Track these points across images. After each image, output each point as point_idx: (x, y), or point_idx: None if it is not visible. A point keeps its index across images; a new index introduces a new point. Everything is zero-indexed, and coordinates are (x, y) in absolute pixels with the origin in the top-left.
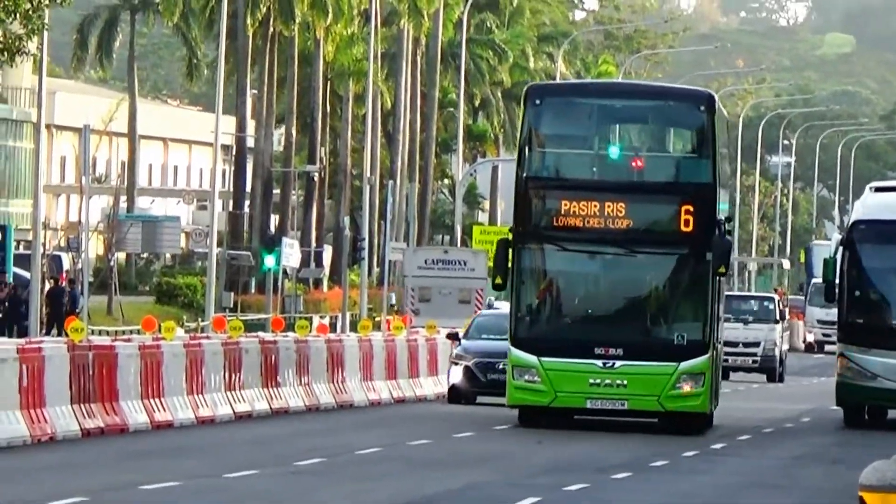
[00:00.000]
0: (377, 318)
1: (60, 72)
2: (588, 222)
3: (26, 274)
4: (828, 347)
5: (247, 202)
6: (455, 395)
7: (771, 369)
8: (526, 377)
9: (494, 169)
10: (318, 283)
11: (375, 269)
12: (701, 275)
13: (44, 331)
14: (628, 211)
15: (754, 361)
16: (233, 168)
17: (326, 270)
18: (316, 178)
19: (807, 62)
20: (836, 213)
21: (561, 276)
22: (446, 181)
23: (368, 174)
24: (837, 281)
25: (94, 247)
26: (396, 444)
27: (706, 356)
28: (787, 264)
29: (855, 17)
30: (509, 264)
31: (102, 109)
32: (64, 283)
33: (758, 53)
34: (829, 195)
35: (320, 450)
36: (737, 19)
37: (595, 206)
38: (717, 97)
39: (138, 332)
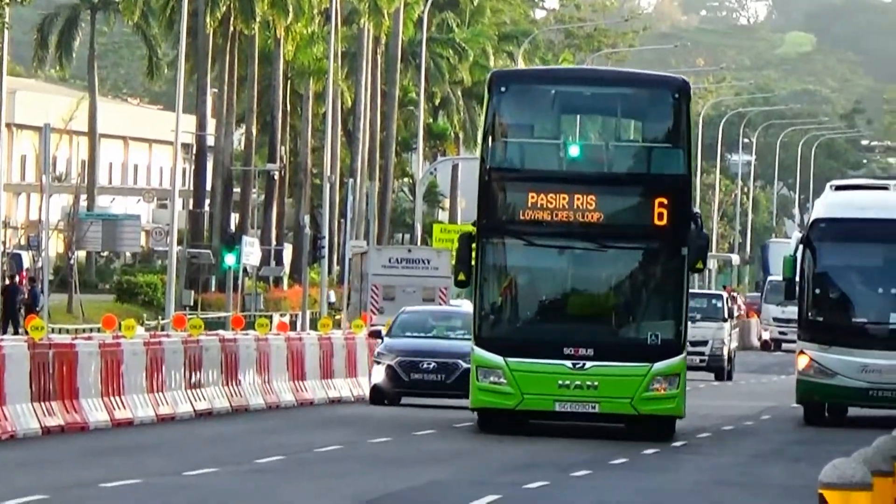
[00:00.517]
0: (337, 317)
1: (21, 70)
2: (556, 216)
3: None
4: (784, 345)
5: (207, 201)
6: (377, 395)
7: (719, 368)
8: (491, 378)
9: (455, 167)
10: (278, 281)
11: (336, 268)
12: (675, 271)
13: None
14: (598, 203)
15: (702, 360)
16: (193, 166)
17: (286, 269)
18: (276, 177)
19: (767, 61)
20: (796, 211)
21: (527, 271)
22: (406, 180)
23: (328, 173)
24: (797, 279)
25: (54, 245)
26: (357, 441)
27: (680, 356)
28: (735, 260)
29: (815, 16)
30: (473, 260)
31: (63, 108)
32: (23, 282)
33: (718, 52)
34: (790, 194)
35: (281, 448)
36: (697, 18)
37: (563, 198)
38: (690, 84)
39: (98, 330)
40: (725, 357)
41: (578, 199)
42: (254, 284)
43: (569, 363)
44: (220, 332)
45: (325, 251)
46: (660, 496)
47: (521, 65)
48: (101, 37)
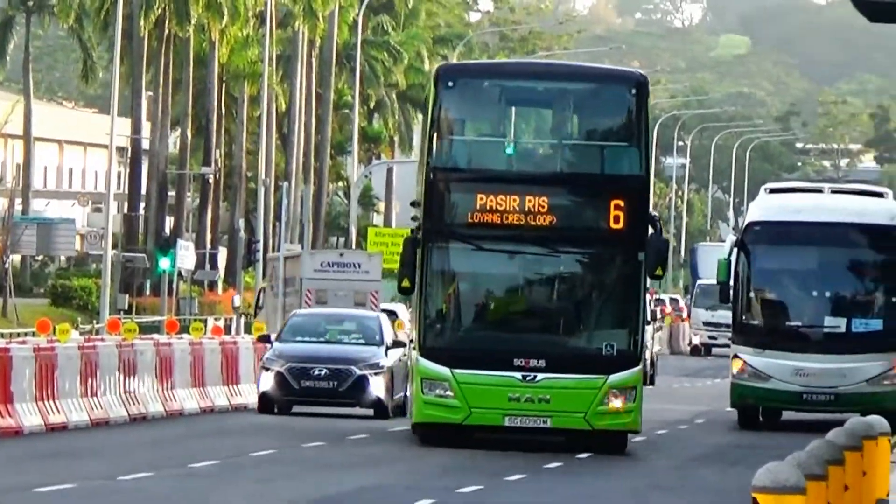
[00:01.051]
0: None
1: None
2: (506, 218)
3: None
4: (714, 350)
5: (142, 204)
6: (265, 403)
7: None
8: (437, 392)
9: (389, 171)
10: (212, 285)
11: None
12: (632, 277)
13: None
14: (550, 206)
15: None
16: (128, 170)
17: (221, 272)
18: (211, 181)
19: (702, 63)
20: (730, 214)
21: (475, 278)
22: (341, 183)
23: (263, 176)
24: (732, 282)
25: None
26: (291, 446)
27: (637, 368)
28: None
29: (750, 19)
30: (417, 265)
31: None
32: None
33: (653, 55)
34: (724, 197)
35: (215, 452)
36: (632, 21)
37: (513, 200)
38: (648, 80)
39: (33, 334)
40: (648, 360)
41: (529, 200)
42: (188, 288)
43: (519, 375)
44: (155, 336)
45: (260, 255)
46: (595, 500)
47: None
48: (35, 40)
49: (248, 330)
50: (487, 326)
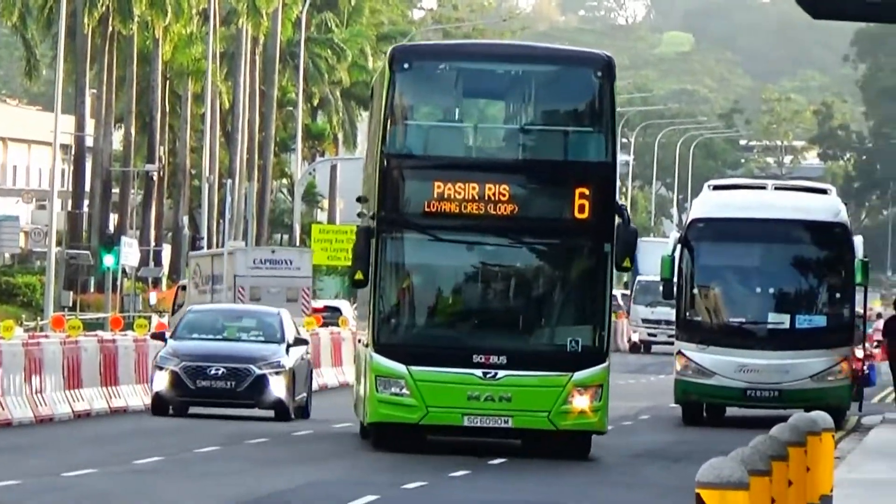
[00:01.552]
0: None
1: None
2: (464, 207)
3: None
4: (654, 347)
5: (86, 201)
6: (160, 404)
7: None
8: (392, 390)
9: (333, 168)
10: (157, 281)
11: None
12: (598, 269)
13: None
14: (512, 194)
15: None
16: (72, 167)
17: (165, 269)
18: (155, 178)
19: (645, 61)
20: (674, 211)
21: (432, 270)
22: (285, 180)
23: (207, 173)
24: (675, 279)
25: None
26: (236, 442)
27: (603, 365)
28: None
29: (693, 16)
30: (372, 256)
31: None
32: None
33: None
34: (668, 193)
35: (160, 448)
36: (576, 18)
37: (472, 188)
38: (615, 62)
39: None
40: None
41: (489, 189)
42: (132, 285)
43: (479, 372)
44: (99, 332)
45: (204, 251)
46: (541, 496)
47: None
48: None
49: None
50: (445, 321)
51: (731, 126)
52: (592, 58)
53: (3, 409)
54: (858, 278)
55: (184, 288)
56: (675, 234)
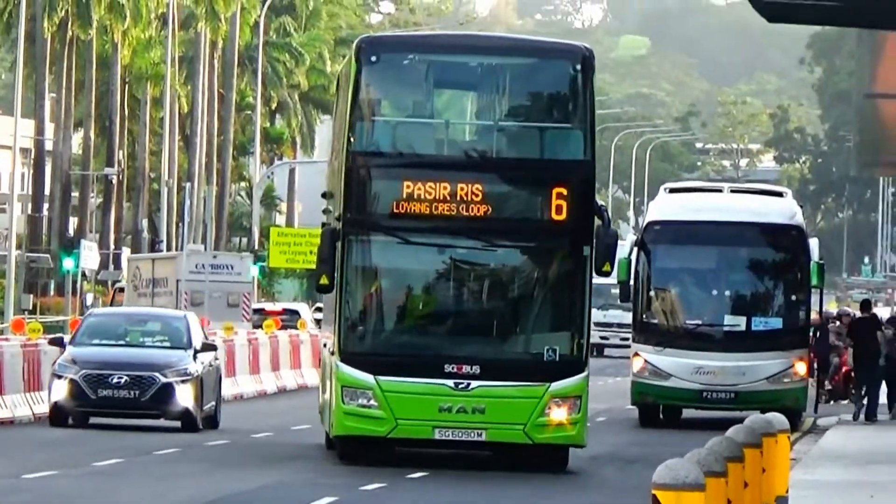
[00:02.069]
0: None
1: None
2: (435, 208)
3: None
4: (606, 350)
5: (46, 205)
6: (58, 414)
7: None
8: (359, 401)
9: (292, 171)
10: (116, 284)
11: None
12: (576, 274)
13: None
14: (486, 194)
15: None
16: (31, 171)
17: (125, 272)
18: (114, 181)
19: (602, 64)
20: (630, 214)
21: (402, 274)
22: (244, 184)
23: (166, 177)
24: (632, 282)
25: None
26: (194, 444)
27: (582, 375)
28: None
29: (650, 20)
30: (337, 260)
31: None
32: None
33: None
34: (624, 196)
35: (119, 450)
36: (532, 22)
37: (444, 188)
38: (594, 55)
39: None
40: None
41: (462, 188)
42: (92, 288)
43: (451, 383)
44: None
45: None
46: (494, 498)
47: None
48: None
49: None
50: (415, 329)
51: (688, 129)
52: (571, 50)
53: None
54: (814, 281)
55: (121, 290)
56: (631, 237)
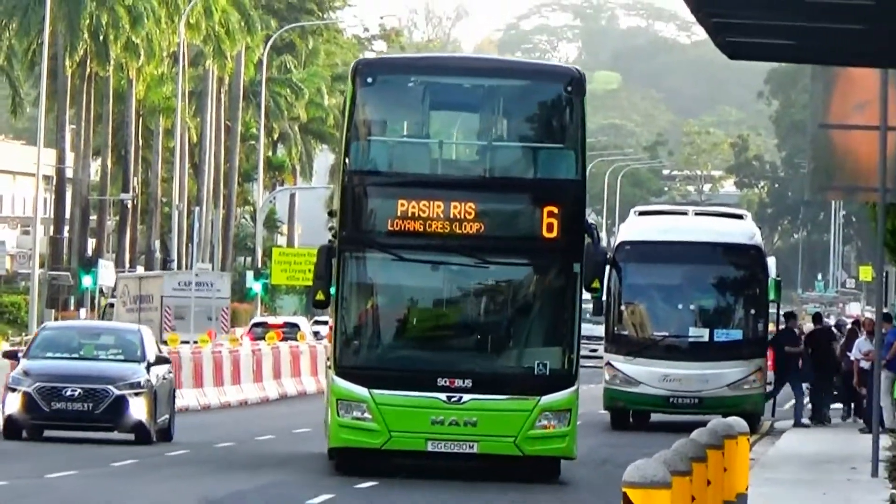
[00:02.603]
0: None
1: None
2: (429, 226)
3: None
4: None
5: (66, 227)
6: (12, 427)
7: None
8: (354, 414)
9: (292, 196)
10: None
11: None
12: (566, 290)
13: None
14: (479, 213)
15: None
16: (54, 196)
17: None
18: (129, 205)
19: None
20: (603, 235)
21: (396, 290)
22: (248, 207)
23: (177, 201)
24: (604, 297)
25: None
26: (204, 445)
27: (572, 389)
28: None
29: (621, 57)
30: (334, 276)
31: None
32: None
33: None
34: (598, 219)
35: (134, 452)
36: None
37: (437, 206)
38: (585, 76)
39: None
40: None
41: (455, 207)
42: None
43: (443, 396)
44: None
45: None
46: (476, 495)
47: None
48: None
49: (163, 341)
50: (409, 343)
51: (656, 157)
52: (561, 72)
53: None
54: (771, 295)
55: (111, 306)
56: None
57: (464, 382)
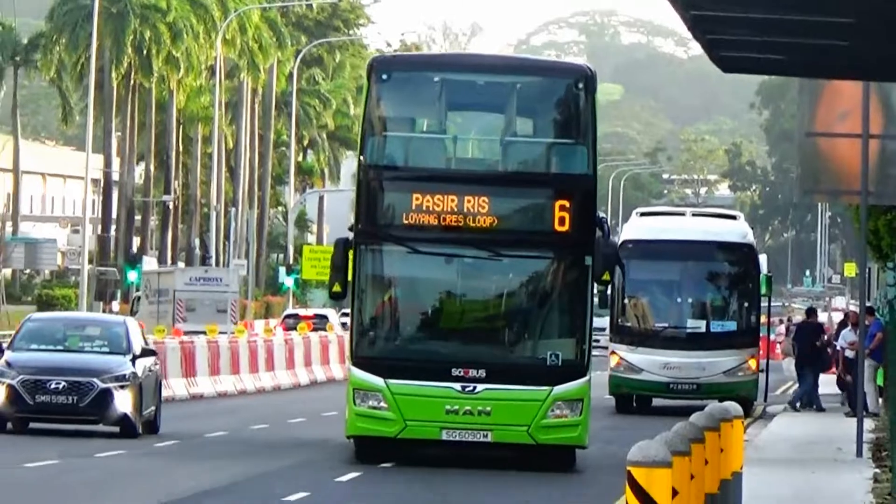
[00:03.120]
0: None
1: None
2: (443, 220)
3: None
4: None
5: (113, 226)
6: None
7: None
8: (370, 403)
9: (321, 198)
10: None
11: None
12: (577, 283)
13: None
14: (492, 206)
15: None
16: (101, 198)
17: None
18: (171, 206)
19: None
20: None
21: (411, 283)
22: (280, 208)
23: (215, 203)
24: (609, 292)
25: None
26: (239, 428)
27: (584, 379)
28: None
29: (623, 70)
30: (351, 269)
31: None
32: None
33: None
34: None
35: (175, 435)
36: None
37: (451, 200)
38: (596, 74)
39: None
40: None
41: (469, 201)
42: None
43: (458, 386)
44: None
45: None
46: (487, 474)
47: None
48: (22, 89)
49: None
50: (424, 334)
51: (656, 163)
52: (573, 69)
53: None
54: (763, 290)
55: (138, 299)
56: None
57: (478, 372)
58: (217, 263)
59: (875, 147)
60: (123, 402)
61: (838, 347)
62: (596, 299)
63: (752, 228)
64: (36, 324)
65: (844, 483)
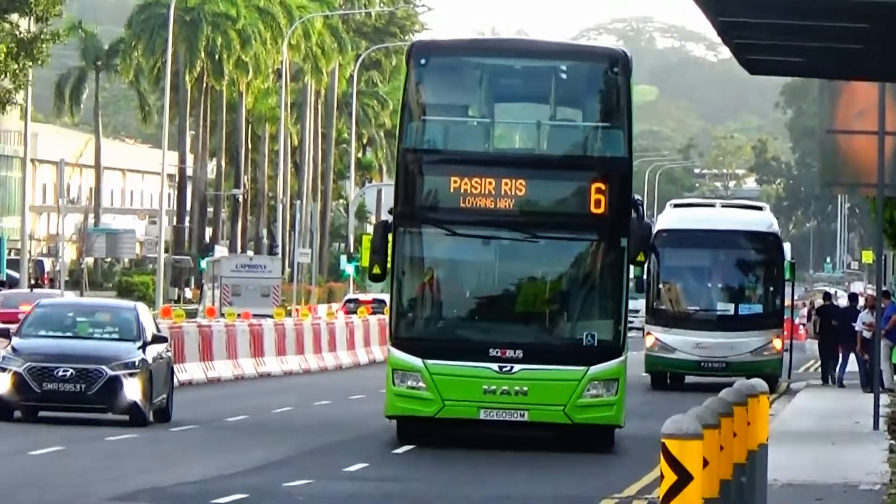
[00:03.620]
0: (288, 307)
1: (41, 117)
2: (481, 202)
3: (16, 274)
4: None
5: (187, 218)
6: (3, 409)
7: None
8: (408, 383)
9: (379, 192)
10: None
11: (287, 269)
12: (614, 264)
13: None
14: (529, 189)
15: None
16: (176, 192)
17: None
18: (240, 199)
19: None
20: None
21: (449, 265)
22: (342, 201)
23: (281, 196)
24: (645, 277)
25: (68, 253)
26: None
27: (620, 359)
28: None
29: (657, 72)
30: (389, 251)
31: (74, 147)
32: (45, 282)
33: None
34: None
35: (244, 409)
36: None
37: (489, 183)
38: (631, 58)
39: None
40: None
41: (506, 184)
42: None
43: (495, 366)
44: (198, 319)
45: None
46: (524, 447)
47: None
48: (103, 91)
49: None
50: (462, 315)
51: (688, 158)
52: (609, 53)
53: None
54: (787, 275)
55: (202, 285)
56: None
57: (515, 353)
58: (283, 252)
59: (890, 143)
60: (133, 389)
61: (856, 328)
62: (632, 284)
63: (777, 218)
64: (45, 309)
65: (862, 453)
